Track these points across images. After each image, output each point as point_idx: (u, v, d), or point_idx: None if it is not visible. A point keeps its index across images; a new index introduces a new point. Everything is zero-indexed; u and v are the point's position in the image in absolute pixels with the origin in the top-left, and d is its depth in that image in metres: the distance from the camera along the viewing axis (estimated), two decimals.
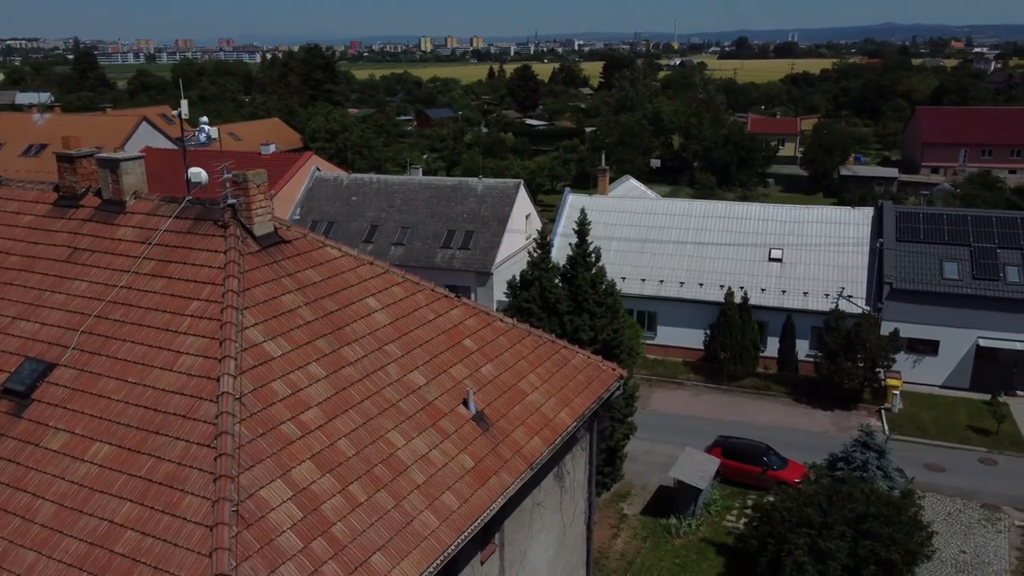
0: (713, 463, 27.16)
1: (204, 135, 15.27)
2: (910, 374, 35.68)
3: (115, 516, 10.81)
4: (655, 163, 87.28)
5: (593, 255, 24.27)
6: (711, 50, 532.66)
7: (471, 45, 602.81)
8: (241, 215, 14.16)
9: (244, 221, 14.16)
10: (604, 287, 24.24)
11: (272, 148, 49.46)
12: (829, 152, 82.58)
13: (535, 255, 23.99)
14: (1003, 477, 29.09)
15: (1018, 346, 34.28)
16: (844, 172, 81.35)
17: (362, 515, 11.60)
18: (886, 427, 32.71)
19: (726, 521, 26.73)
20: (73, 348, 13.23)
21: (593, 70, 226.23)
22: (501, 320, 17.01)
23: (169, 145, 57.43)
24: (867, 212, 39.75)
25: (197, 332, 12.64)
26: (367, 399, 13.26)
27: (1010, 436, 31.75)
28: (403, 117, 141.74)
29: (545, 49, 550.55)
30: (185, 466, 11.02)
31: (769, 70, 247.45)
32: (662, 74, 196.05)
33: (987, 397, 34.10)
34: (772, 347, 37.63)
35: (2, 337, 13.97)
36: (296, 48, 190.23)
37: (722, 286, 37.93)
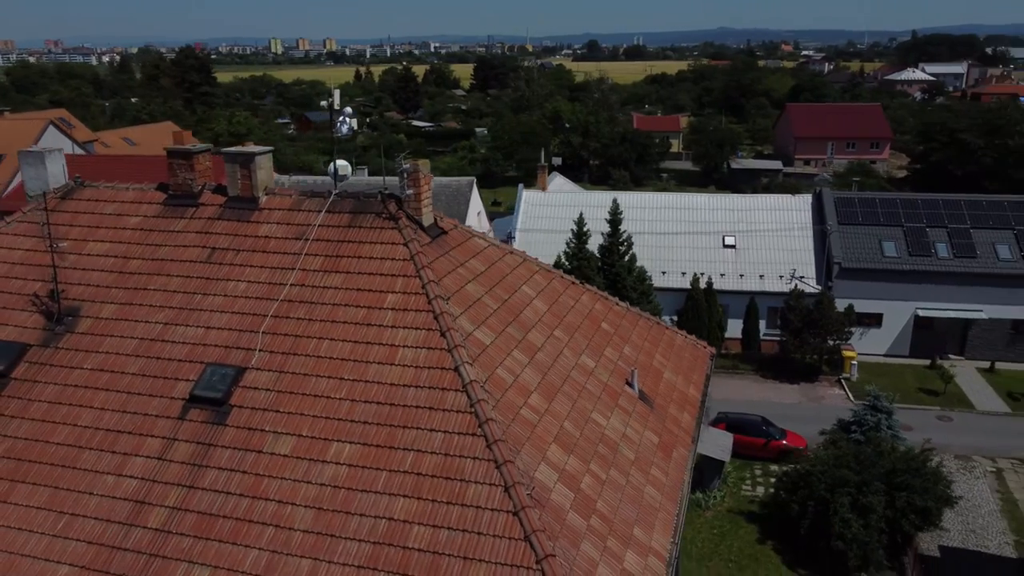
0: (728, 437, 28.64)
1: (347, 127, 14.74)
2: (858, 345, 38.78)
3: (392, 513, 10.53)
4: (556, 161, 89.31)
5: (624, 244, 25.08)
6: (564, 52, 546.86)
7: (324, 47, 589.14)
8: (409, 206, 13.94)
9: (412, 212, 13.94)
10: (636, 273, 25.10)
11: None
12: (719, 147, 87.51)
13: (571, 247, 24.51)
14: (961, 431, 32.34)
15: (951, 314, 38.11)
16: (734, 166, 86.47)
17: (610, 492, 11.86)
18: (849, 395, 35.51)
19: (743, 491, 28.29)
20: (260, 350, 12.61)
21: (462, 72, 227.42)
22: (617, 304, 17.50)
23: (78, 150, 53.08)
24: (806, 198, 42.84)
25: (408, 324, 12.40)
26: (564, 383, 13.45)
27: (956, 395, 35.27)
28: (281, 120, 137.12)
29: (401, 51, 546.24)
30: (455, 456, 10.87)
31: (627, 71, 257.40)
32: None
33: (926, 363, 37.86)
34: (733, 328, 39.80)
35: (160, 345, 13.07)
36: (135, 50, 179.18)
37: (683, 273, 39.74)
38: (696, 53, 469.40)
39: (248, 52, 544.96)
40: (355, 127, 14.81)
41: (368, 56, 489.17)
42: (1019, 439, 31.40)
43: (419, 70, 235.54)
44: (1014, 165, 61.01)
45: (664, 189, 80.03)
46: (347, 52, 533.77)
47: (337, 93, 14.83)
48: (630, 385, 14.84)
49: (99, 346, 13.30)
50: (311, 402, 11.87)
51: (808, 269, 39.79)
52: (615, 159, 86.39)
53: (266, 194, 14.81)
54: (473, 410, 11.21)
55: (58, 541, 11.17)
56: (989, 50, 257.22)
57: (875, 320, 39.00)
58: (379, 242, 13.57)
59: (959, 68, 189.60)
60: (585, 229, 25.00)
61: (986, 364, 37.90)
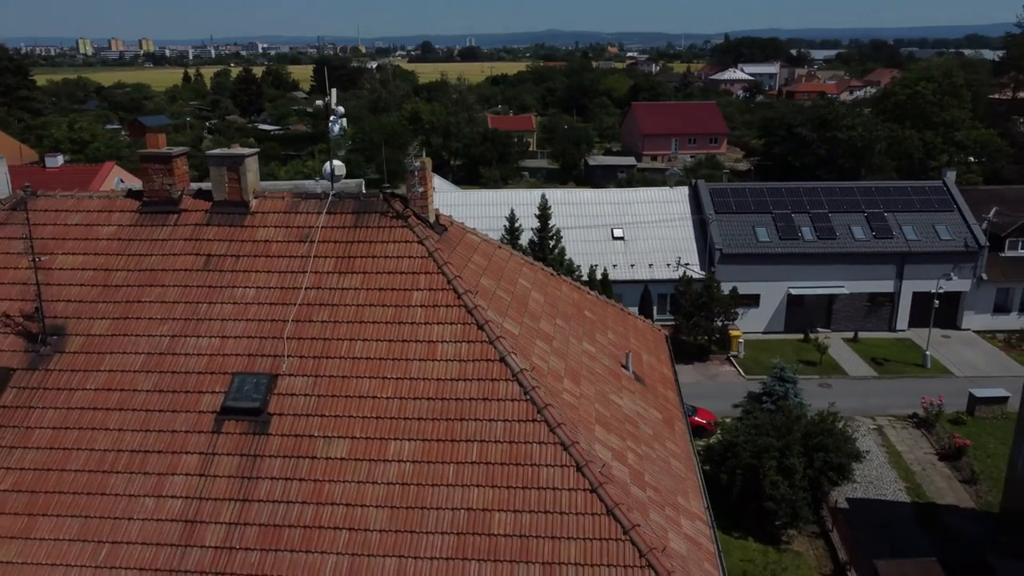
0: None
1: (338, 126, 14.41)
2: (740, 325, 41.84)
3: (469, 503, 10.69)
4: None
5: (553, 238, 25.93)
6: (398, 54, 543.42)
7: (141, 48, 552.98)
8: (416, 204, 13.98)
9: (419, 210, 14.00)
10: (566, 265, 26.03)
11: (60, 160, 43.21)
12: (576, 145, 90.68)
13: (505, 242, 25.05)
14: (840, 395, 35.62)
15: (818, 291, 41.91)
16: (592, 162, 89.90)
17: (649, 465, 12.55)
18: (740, 370, 38.29)
19: None
20: (288, 356, 12.28)
21: (300, 74, 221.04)
22: (589, 292, 18.23)
23: None
24: (683, 191, 45.59)
25: (441, 320, 12.50)
26: (581, 368, 14.00)
27: (831, 364, 38.89)
28: (110, 126, 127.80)
29: (226, 53, 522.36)
30: (520, 442, 11.16)
31: (465, 73, 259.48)
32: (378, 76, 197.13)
33: (800, 336, 41.51)
34: None
35: (172, 359, 12.41)
36: None
37: (578, 266, 41.22)
38: (529, 55, 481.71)
39: (53, 53, 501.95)
40: (346, 127, 14.59)
41: (191, 57, 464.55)
42: (889, 398, 35.14)
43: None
44: (843, 155, 67.48)
45: (533, 186, 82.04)
46: (167, 53, 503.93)
47: (334, 92, 14.55)
48: (625, 367, 15.62)
49: (99, 364, 12.43)
50: (357, 403, 11.73)
51: (691, 256, 42.41)
52: (477, 159, 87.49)
53: (256, 197, 14.32)
54: (528, 397, 11.54)
55: (103, 572, 10.44)
56: (794, 51, 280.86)
57: (753, 300, 42.18)
58: (391, 241, 13.53)
59: (773, 68, 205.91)
60: (517, 224, 25.56)
61: (850, 335, 42.01)
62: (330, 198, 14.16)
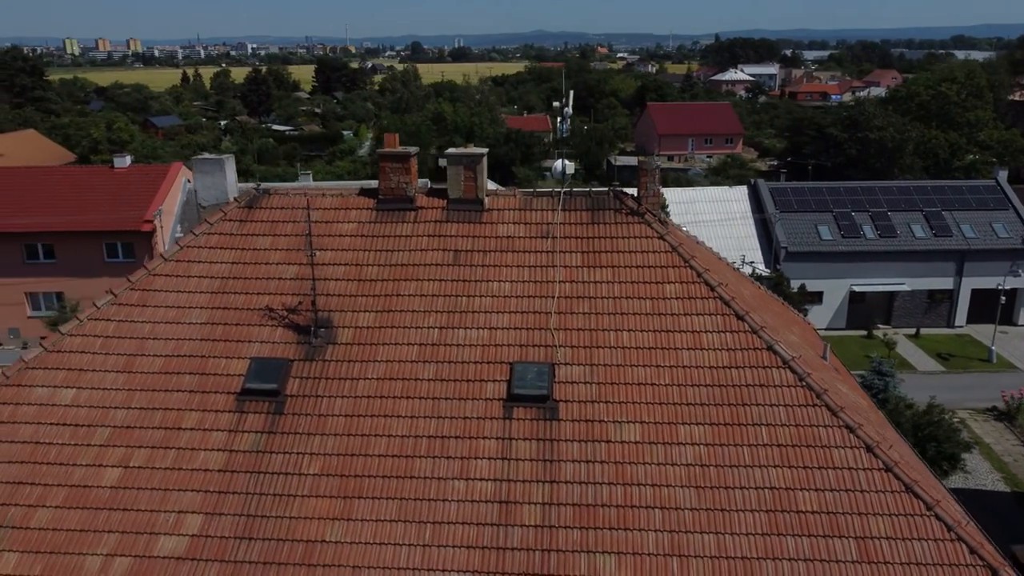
0: None
1: (565, 126, 15.04)
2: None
3: (770, 482, 11.32)
4: (443, 162, 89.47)
5: None
6: (387, 54, 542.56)
7: (129, 48, 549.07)
8: (648, 202, 14.60)
9: (651, 207, 14.62)
10: None
11: (128, 160, 43.35)
12: (600, 145, 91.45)
13: None
14: (915, 390, 36.26)
15: (879, 288, 42.85)
16: (617, 163, 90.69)
17: (897, 447, 13.21)
18: None
19: None
20: (560, 346, 12.87)
21: (299, 74, 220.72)
22: (760, 287, 18.89)
23: None
24: (743, 190, 46.42)
25: (699, 311, 13.13)
26: (812, 357, 14.65)
27: (898, 360, 39.76)
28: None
29: (215, 53, 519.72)
30: (805, 426, 11.80)
31: (459, 73, 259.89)
32: (379, 77, 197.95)
33: (862, 333, 42.41)
34: None
35: (445, 349, 12.95)
36: None
37: None
38: (519, 55, 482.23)
39: (38, 53, 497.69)
40: (569, 128, 15.21)
41: (180, 58, 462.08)
42: (962, 392, 36.03)
43: (240, 73, 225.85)
44: (874, 155, 68.61)
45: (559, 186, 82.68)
46: (156, 53, 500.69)
47: (571, 95, 15.16)
48: (823, 358, 16.30)
49: (374, 355, 12.96)
50: (638, 390, 12.33)
51: (756, 254, 43.21)
52: (501, 159, 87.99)
53: (487, 195, 14.89)
54: (804, 383, 12.19)
55: (431, 550, 10.99)
56: (788, 52, 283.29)
57: (817, 297, 43.02)
58: (632, 236, 14.13)
59: (772, 69, 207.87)
60: None
61: (912, 331, 42.96)
62: (563, 195, 14.74)
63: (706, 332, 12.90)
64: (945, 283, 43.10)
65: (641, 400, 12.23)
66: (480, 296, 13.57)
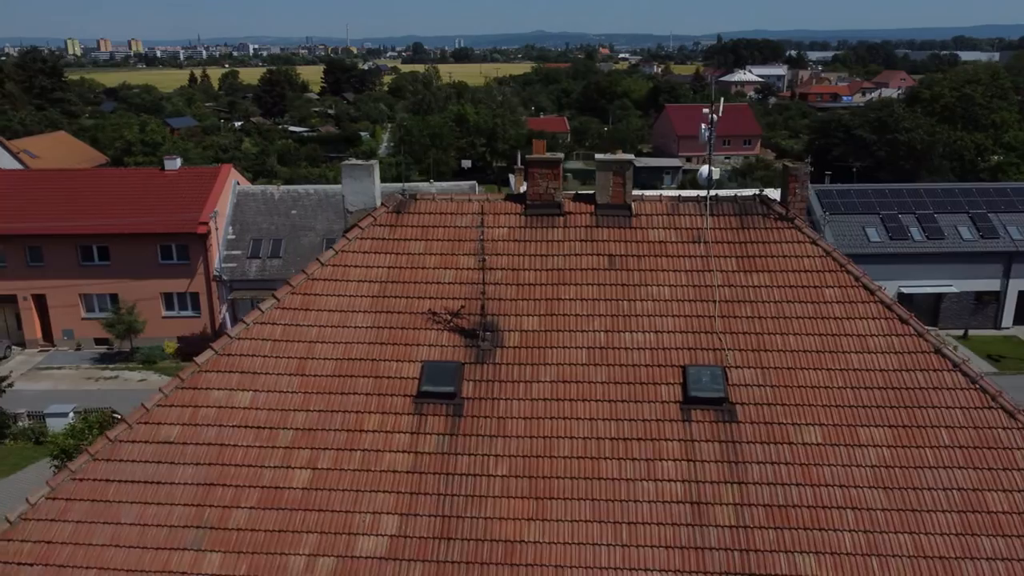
0: None
1: (709, 132, 15.29)
2: None
3: (956, 483, 11.55)
4: (466, 164, 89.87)
5: None
6: (388, 55, 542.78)
7: (130, 49, 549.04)
8: (795, 207, 14.84)
9: (796, 213, 14.85)
10: None
11: (179, 162, 43.54)
12: (621, 145, 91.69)
13: None
14: None
15: (927, 289, 43.13)
16: (637, 164, 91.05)
17: None
18: None
19: None
20: (728, 350, 13.09)
21: (308, 75, 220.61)
22: None
23: (14, 164, 47.41)
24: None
25: (861, 315, 13.39)
26: None
27: None
28: None
29: (217, 53, 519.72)
30: (984, 428, 12.06)
31: (463, 73, 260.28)
32: (387, 78, 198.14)
33: None
34: None
35: (614, 352, 13.17)
36: None
37: None
38: (521, 56, 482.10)
39: (54, 53, 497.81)
40: (714, 136, 15.45)
41: (183, 58, 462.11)
42: (1019, 393, 36.24)
43: (246, 73, 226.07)
44: (903, 157, 68.91)
45: (577, 188, 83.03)
46: (159, 54, 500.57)
47: (722, 102, 15.39)
48: None
49: (544, 358, 13.17)
50: (812, 393, 12.56)
51: None
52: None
53: (633, 200, 15.12)
54: (978, 386, 12.44)
55: (631, 550, 11.21)
56: (793, 53, 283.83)
57: None
58: (784, 241, 14.38)
59: (780, 70, 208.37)
60: None
61: (959, 332, 43.25)
62: (709, 200, 14.97)
63: (871, 336, 13.14)
64: (992, 284, 43.41)
65: (817, 403, 12.46)
66: (641, 300, 13.79)
